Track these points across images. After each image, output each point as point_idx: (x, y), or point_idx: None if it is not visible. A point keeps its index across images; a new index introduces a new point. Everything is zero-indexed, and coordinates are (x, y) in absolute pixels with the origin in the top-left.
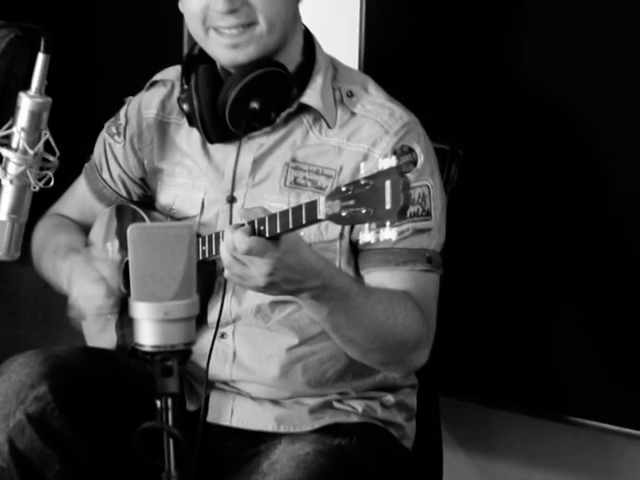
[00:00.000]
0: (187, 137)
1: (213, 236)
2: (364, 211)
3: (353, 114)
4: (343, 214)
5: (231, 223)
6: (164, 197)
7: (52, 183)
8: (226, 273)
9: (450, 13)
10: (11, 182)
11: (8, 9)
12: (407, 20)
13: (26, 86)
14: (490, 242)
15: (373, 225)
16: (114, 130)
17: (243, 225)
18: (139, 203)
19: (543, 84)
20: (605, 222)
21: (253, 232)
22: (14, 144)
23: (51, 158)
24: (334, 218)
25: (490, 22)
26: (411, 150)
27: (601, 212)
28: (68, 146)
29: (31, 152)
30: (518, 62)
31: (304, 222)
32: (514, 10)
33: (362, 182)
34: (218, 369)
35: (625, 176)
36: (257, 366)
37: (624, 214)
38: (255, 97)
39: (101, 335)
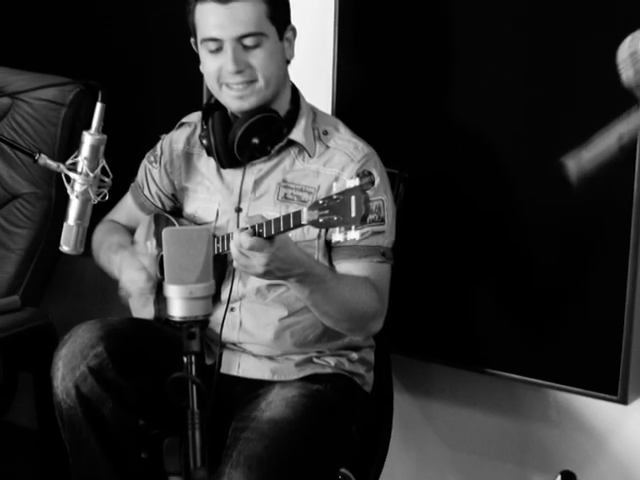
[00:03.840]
0: (206, 164)
1: (225, 236)
2: (335, 218)
3: (327, 147)
4: (320, 220)
5: (238, 227)
6: (189, 208)
7: (107, 198)
8: (234, 263)
9: (401, 71)
10: (77, 197)
11: (74, 69)
12: (368, 77)
13: (88, 126)
14: (428, 239)
15: (342, 228)
16: (152, 159)
17: (247, 228)
18: (171, 212)
19: (470, 126)
20: (510, 224)
21: (254, 233)
22: (79, 169)
23: (106, 179)
24: (314, 223)
25: (429, 78)
26: (370, 173)
27: (507, 218)
28: (119, 170)
29: (91, 175)
30: (451, 108)
31: (292, 226)
32: (447, 68)
33: (334, 197)
34: (228, 334)
35: (529, 194)
36: (257, 332)
37: (524, 219)
38: (256, 135)
39: (143, 309)
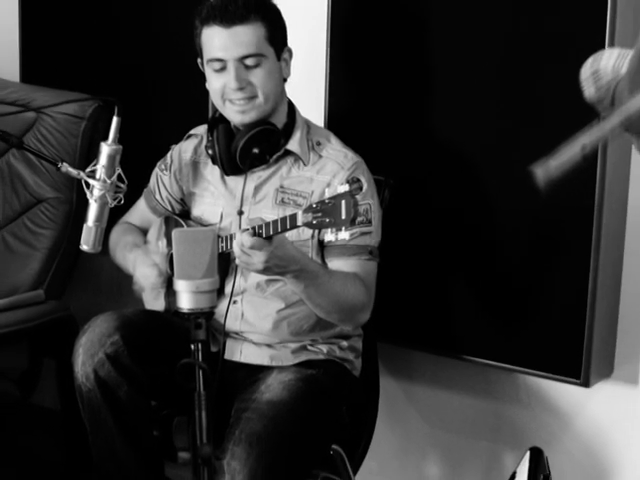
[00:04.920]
0: (211, 171)
1: (228, 236)
2: (328, 220)
3: (320, 156)
4: (314, 222)
5: (240, 228)
6: (196, 211)
7: (122, 202)
8: (237, 261)
9: (386, 89)
10: (95, 201)
11: (93, 86)
12: (356, 94)
13: (105, 138)
14: (411, 239)
15: (333, 229)
16: (163, 167)
17: (248, 229)
18: (180, 215)
19: (448, 138)
20: (484, 226)
21: (254, 234)
22: (97, 176)
23: (122, 185)
24: (308, 225)
25: (411, 95)
26: (358, 180)
27: (481, 220)
28: (133, 177)
29: (108, 181)
30: (431, 122)
31: (288, 227)
32: (428, 86)
33: (326, 201)
34: (231, 324)
35: (502, 198)
36: (257, 322)
37: (497, 221)
38: (256, 145)
39: (155, 302)
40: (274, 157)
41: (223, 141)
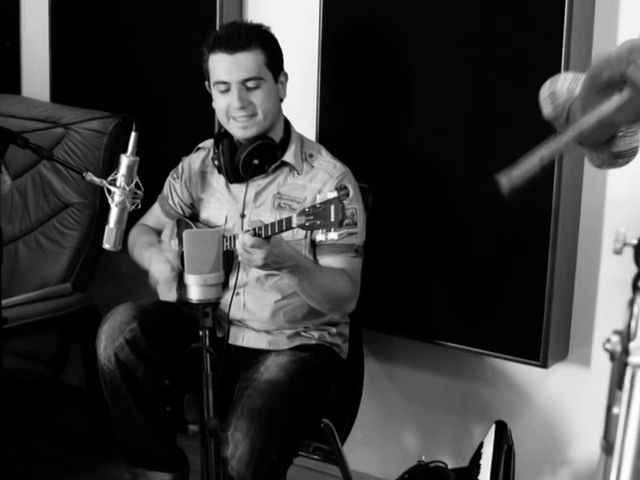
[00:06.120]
0: (217, 180)
1: (232, 236)
2: (318, 222)
3: (312, 167)
4: (307, 224)
5: (242, 229)
6: (204, 214)
7: (139, 206)
8: (239, 258)
9: (370, 107)
10: (116, 206)
11: (114, 105)
12: (344, 112)
13: (124, 150)
14: (392, 239)
15: (324, 230)
16: (175, 176)
17: (249, 230)
18: (190, 218)
19: (424, 152)
20: (455, 227)
21: (255, 234)
22: (118, 184)
23: (139, 192)
24: (301, 226)
25: (392, 112)
26: (345, 187)
27: (453, 222)
28: (149, 185)
29: (127, 188)
30: (410, 137)
31: (284, 228)
32: (407, 103)
33: (317, 206)
34: (234, 313)
35: (471, 203)
36: (257, 311)
37: (467, 222)
38: (256, 157)
39: (168, 294)
40: (272, 167)
41: (228, 153)
